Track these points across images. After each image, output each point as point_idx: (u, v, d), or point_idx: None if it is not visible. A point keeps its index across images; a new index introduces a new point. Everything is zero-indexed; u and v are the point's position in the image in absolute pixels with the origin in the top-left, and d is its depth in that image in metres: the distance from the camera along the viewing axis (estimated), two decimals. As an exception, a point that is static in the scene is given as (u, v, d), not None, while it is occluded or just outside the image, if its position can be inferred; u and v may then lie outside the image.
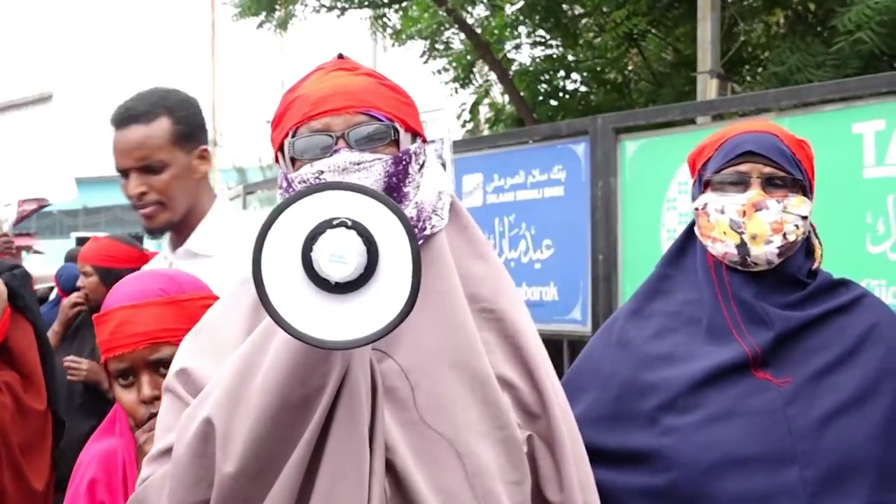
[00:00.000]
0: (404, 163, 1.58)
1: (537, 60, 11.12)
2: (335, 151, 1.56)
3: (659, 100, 9.15)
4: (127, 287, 2.04)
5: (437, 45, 10.84)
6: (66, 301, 4.69)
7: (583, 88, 11.12)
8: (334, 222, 1.27)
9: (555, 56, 11.02)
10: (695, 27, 7.85)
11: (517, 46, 11.14)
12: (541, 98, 10.86)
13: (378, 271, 1.28)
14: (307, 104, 1.59)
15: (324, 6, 10.36)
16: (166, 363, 1.93)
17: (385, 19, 10.75)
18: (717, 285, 2.03)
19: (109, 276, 4.41)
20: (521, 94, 10.34)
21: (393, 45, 11.15)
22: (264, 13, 10.45)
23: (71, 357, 4.30)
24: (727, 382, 1.95)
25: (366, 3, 10.58)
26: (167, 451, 1.56)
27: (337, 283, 1.27)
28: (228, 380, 1.46)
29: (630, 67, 10.83)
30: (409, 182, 1.59)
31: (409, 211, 1.56)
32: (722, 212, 2.00)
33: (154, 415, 1.93)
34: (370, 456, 1.44)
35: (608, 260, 5.45)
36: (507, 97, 11.12)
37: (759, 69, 9.29)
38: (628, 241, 5.46)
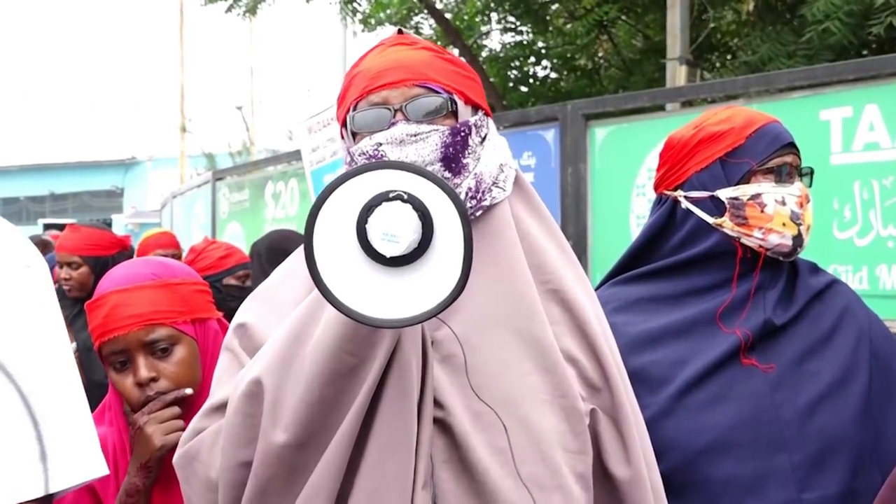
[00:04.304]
0: (463, 134, 1.58)
1: (507, 46, 11.13)
2: (393, 124, 1.57)
3: (629, 86, 9.19)
4: (119, 272, 2.05)
5: (406, 31, 10.79)
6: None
7: (553, 75, 11.14)
8: (390, 195, 1.27)
9: (525, 42, 11.03)
10: (664, 14, 7.87)
11: (487, 32, 11.14)
12: (511, 84, 10.88)
13: (432, 247, 1.28)
14: (366, 79, 1.61)
15: (293, -10, 10.30)
16: (162, 345, 1.96)
17: (355, 4, 10.70)
18: (737, 274, 2.02)
19: (99, 265, 4.36)
20: (492, 80, 10.34)
21: (362, 30, 11.10)
22: (233, -2, 10.38)
23: None
24: (717, 369, 1.96)
25: (335, -13, 10.53)
26: (220, 407, 1.56)
27: (391, 256, 1.26)
28: (280, 344, 1.48)
29: (600, 54, 10.86)
30: (469, 153, 1.59)
31: (468, 181, 1.57)
32: (783, 203, 2.00)
33: (151, 398, 1.95)
34: (418, 427, 1.45)
35: (578, 246, 5.46)
36: (477, 83, 11.10)
37: (729, 56, 9.34)
38: (598, 228, 5.48)
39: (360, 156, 1.57)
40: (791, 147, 2.04)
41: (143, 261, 2.14)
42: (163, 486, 1.96)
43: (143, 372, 1.95)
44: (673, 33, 7.54)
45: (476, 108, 1.65)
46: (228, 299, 4.13)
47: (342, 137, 1.69)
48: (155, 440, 1.90)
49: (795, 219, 2.00)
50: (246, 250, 4.63)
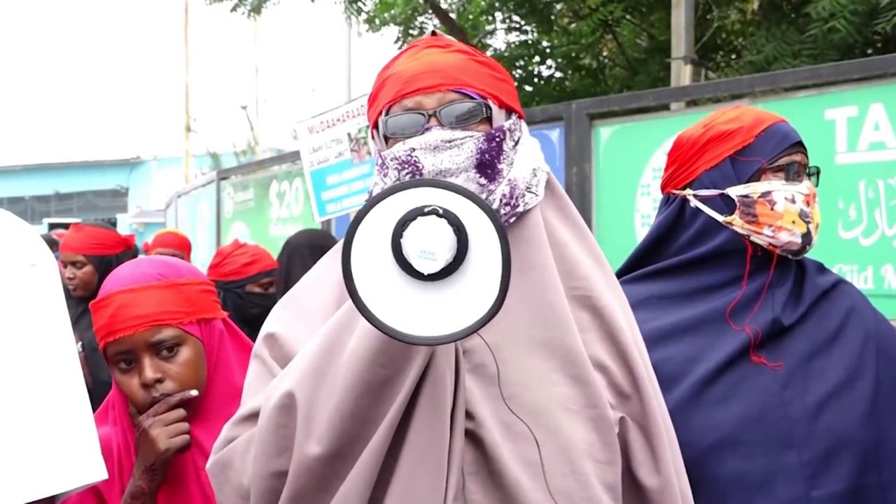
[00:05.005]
0: (497, 139, 1.57)
1: (512, 46, 11.12)
2: (427, 129, 1.56)
3: (634, 86, 9.18)
4: (125, 272, 2.04)
5: (411, 31, 10.81)
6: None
7: (558, 74, 11.13)
8: (426, 209, 1.26)
9: (530, 42, 11.03)
10: (669, 14, 7.87)
11: (492, 32, 11.13)
12: (515, 83, 10.83)
13: (468, 262, 1.28)
14: (399, 82, 1.60)
15: (298, -10, 10.31)
16: (168, 345, 1.95)
17: (359, 4, 10.70)
18: (747, 271, 2.03)
19: (103, 264, 4.37)
20: (496, 79, 10.31)
21: (367, 29, 11.11)
22: (237, -3, 10.39)
23: None
24: (728, 366, 1.97)
25: (340, -13, 10.53)
26: (251, 416, 1.56)
27: (428, 273, 1.26)
28: (313, 356, 1.47)
29: (605, 53, 10.85)
30: (504, 159, 1.57)
31: (502, 188, 1.56)
32: (793, 201, 2.01)
33: (156, 399, 1.94)
34: (450, 441, 1.45)
35: (582, 246, 5.44)
36: (481, 83, 11.07)
37: (734, 56, 9.34)
38: (602, 227, 5.48)
39: (392, 160, 1.57)
40: (799, 146, 2.06)
41: (148, 260, 2.13)
42: (169, 489, 1.96)
43: (149, 373, 1.94)
44: (678, 33, 7.53)
45: (509, 111, 1.64)
46: (249, 306, 4.13)
47: (373, 138, 1.67)
48: (160, 443, 1.89)
49: (804, 217, 2.01)
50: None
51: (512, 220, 1.56)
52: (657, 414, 1.59)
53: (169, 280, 2.00)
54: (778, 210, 2.00)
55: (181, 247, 5.45)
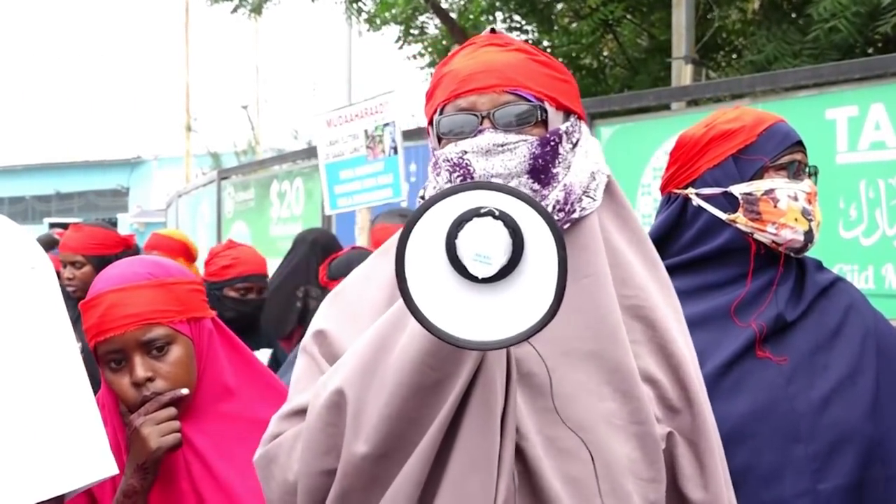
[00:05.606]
0: (552, 144, 1.53)
1: (513, 46, 11.11)
2: (480, 132, 1.52)
3: (634, 85, 9.17)
4: (115, 271, 2.04)
5: (412, 30, 10.81)
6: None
7: (558, 74, 11.11)
8: (481, 210, 1.23)
9: (530, 41, 11.02)
10: (670, 13, 7.87)
11: (492, 31, 11.13)
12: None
13: (523, 266, 1.24)
14: (455, 81, 1.56)
15: (298, -10, 10.32)
16: (158, 345, 1.95)
17: (360, 4, 10.70)
18: (751, 269, 2.04)
19: (103, 264, 4.34)
20: (497, 79, 10.30)
21: (368, 29, 11.11)
22: (238, -3, 10.40)
23: None
24: (735, 361, 1.99)
25: (340, -13, 10.54)
26: (299, 412, 1.54)
27: (483, 277, 1.24)
28: (363, 354, 1.44)
29: (605, 53, 10.85)
30: (559, 163, 1.53)
31: (556, 193, 1.52)
32: (795, 199, 2.03)
33: (147, 398, 1.93)
34: (500, 446, 1.41)
35: (583, 245, 5.44)
36: (482, 83, 11.06)
37: (734, 56, 9.34)
38: (603, 227, 5.47)
39: (444, 161, 1.54)
40: (799, 145, 2.08)
41: (139, 260, 2.14)
42: (160, 487, 1.95)
43: (140, 371, 1.94)
44: (678, 32, 7.53)
45: (568, 112, 1.60)
46: (224, 309, 4.07)
47: (428, 135, 1.65)
48: (151, 442, 1.89)
49: (806, 214, 2.04)
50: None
51: (566, 226, 1.52)
52: (710, 429, 1.56)
53: (159, 279, 2.00)
54: (781, 207, 2.03)
55: (175, 253, 5.13)
